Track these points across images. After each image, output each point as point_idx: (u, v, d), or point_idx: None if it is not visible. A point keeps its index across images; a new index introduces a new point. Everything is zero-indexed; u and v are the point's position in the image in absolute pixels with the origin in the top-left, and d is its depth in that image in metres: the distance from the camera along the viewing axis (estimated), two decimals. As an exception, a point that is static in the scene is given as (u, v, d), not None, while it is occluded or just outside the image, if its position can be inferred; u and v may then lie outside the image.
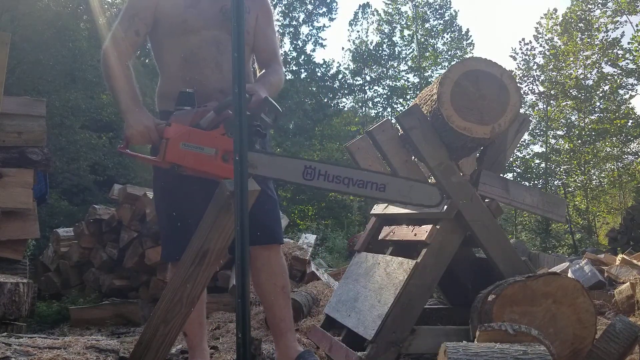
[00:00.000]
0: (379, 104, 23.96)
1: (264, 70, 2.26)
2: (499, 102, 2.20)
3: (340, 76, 22.79)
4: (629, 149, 19.57)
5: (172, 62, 2.12)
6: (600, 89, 19.21)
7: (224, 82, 2.08)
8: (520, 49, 20.46)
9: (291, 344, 2.17)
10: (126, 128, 1.99)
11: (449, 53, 23.54)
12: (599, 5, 18.61)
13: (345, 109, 23.82)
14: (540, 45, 20.16)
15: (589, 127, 19.36)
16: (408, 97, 22.88)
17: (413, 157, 2.52)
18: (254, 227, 2.11)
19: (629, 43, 18.24)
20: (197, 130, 1.84)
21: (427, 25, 23.78)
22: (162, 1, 2.09)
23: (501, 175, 2.48)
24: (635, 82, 18.64)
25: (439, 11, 23.71)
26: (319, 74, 22.08)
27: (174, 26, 2.09)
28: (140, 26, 2.10)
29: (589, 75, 19.38)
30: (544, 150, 20.16)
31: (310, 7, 22.32)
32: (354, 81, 23.42)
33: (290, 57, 21.65)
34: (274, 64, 2.26)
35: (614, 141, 19.13)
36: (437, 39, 23.93)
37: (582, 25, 18.90)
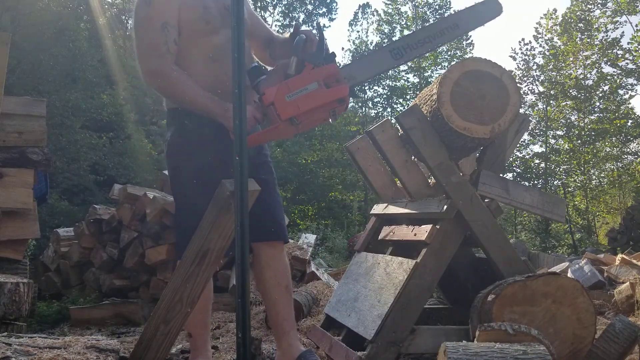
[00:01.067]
0: (379, 104, 23.95)
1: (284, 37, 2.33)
2: (498, 102, 2.21)
3: (340, 76, 22.76)
4: (628, 149, 19.58)
5: (196, 62, 2.10)
6: (600, 89, 19.21)
7: (246, 79, 2.13)
8: (520, 49, 20.47)
9: (293, 343, 2.17)
10: (231, 122, 1.99)
11: (449, 53, 23.54)
12: (599, 5, 18.62)
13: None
14: (540, 46, 20.17)
15: (589, 127, 19.37)
16: (408, 97, 22.89)
17: (413, 157, 2.53)
18: (261, 221, 2.13)
19: (628, 43, 18.26)
20: (290, 79, 1.96)
21: (427, 25, 23.77)
22: (182, 6, 2.07)
23: (501, 175, 2.48)
24: (635, 82, 18.66)
25: (439, 11, 23.71)
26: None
27: (197, 28, 2.08)
28: (175, 34, 2.06)
29: (588, 76, 19.39)
30: (544, 150, 20.16)
31: (310, 7, 22.34)
32: (354, 81, 23.39)
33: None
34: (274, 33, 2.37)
35: (613, 141, 19.13)
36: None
37: (581, 25, 18.90)
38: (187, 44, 2.09)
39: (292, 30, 2.23)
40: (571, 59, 19.34)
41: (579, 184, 20.13)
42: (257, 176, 2.20)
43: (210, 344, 2.35)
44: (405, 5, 24.03)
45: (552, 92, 19.56)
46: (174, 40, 2.05)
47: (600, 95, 19.29)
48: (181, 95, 2.04)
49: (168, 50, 2.03)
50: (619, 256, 4.93)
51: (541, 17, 22.15)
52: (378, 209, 2.82)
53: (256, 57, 2.37)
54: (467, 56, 21.54)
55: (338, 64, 2.06)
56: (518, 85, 2.28)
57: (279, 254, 2.19)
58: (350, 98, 2.08)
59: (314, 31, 2.12)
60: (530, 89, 20.18)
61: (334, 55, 2.04)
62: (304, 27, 2.11)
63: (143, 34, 2.06)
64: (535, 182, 19.49)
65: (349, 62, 2.32)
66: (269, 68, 2.13)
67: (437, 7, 23.71)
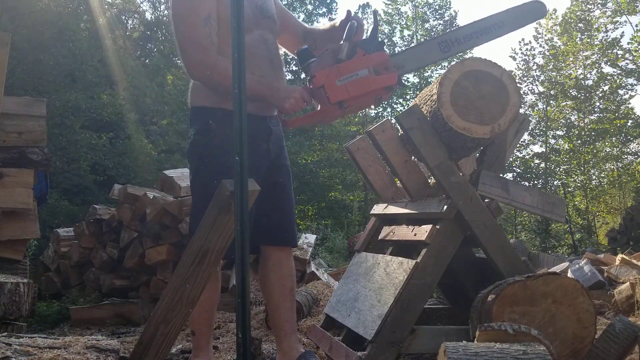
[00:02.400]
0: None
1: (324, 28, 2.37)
2: (498, 103, 2.21)
3: (340, 76, 22.75)
4: (628, 149, 19.57)
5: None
6: (600, 89, 19.21)
7: (276, 78, 2.16)
8: (520, 49, 20.47)
9: (294, 345, 2.18)
10: (282, 103, 2.03)
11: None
12: (599, 5, 18.62)
13: (345, 109, 23.78)
14: (540, 46, 20.17)
15: (589, 127, 19.37)
16: (408, 97, 22.88)
17: (413, 157, 2.53)
18: (275, 225, 2.14)
19: (628, 43, 18.26)
20: (341, 64, 2.01)
21: (427, 25, 23.77)
22: (220, 2, 2.06)
23: (501, 175, 2.48)
24: (635, 82, 18.65)
25: (439, 11, 23.70)
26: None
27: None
28: (216, 27, 2.04)
29: (588, 76, 19.39)
30: (544, 150, 20.16)
31: (310, 7, 22.32)
32: (354, 81, 23.38)
33: (290, 56, 21.65)
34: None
35: (613, 141, 19.13)
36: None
37: (581, 25, 18.90)
38: (220, 41, 2.07)
39: (335, 18, 2.28)
40: (571, 59, 19.34)
41: (579, 184, 20.13)
42: (275, 179, 2.21)
43: (212, 344, 2.35)
44: (405, 5, 24.02)
45: (552, 92, 19.56)
46: (216, 33, 2.04)
47: (600, 95, 19.28)
48: (230, 83, 2.06)
49: (212, 42, 2.02)
50: (619, 256, 4.93)
51: (541, 17, 22.09)
52: (378, 209, 2.82)
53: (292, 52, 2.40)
54: (467, 56, 21.54)
55: (388, 53, 2.12)
56: (518, 85, 2.28)
57: (286, 257, 2.22)
58: (398, 87, 2.15)
59: (368, 20, 2.16)
60: (530, 89, 20.19)
61: (383, 43, 2.11)
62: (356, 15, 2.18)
63: (186, 27, 2.03)
64: (535, 182, 19.49)
65: (399, 51, 2.46)
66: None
67: (437, 7, 23.70)
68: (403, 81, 2.20)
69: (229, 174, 2.02)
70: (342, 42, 2.06)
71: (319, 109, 2.09)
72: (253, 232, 2.11)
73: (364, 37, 2.11)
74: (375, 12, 2.27)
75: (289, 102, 2.01)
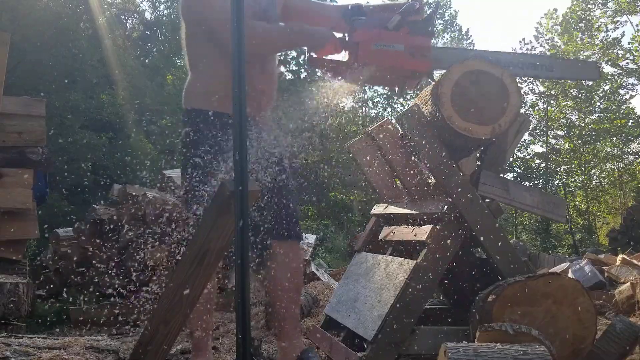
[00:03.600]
0: (379, 104, 23.93)
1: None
2: (499, 103, 2.20)
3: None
4: (629, 149, 19.55)
5: (217, 62, 2.09)
6: (601, 89, 19.19)
7: (266, 83, 2.19)
8: (521, 48, 20.45)
9: (296, 342, 2.17)
10: (318, 41, 2.12)
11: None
12: (599, 5, 18.61)
13: (345, 109, 23.80)
14: (541, 45, 20.14)
15: (589, 127, 19.35)
16: (408, 97, 22.86)
17: (413, 157, 2.52)
18: (281, 220, 2.14)
19: (629, 43, 18.22)
20: (386, 31, 2.07)
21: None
22: None
23: (501, 175, 2.48)
24: (636, 82, 18.63)
25: (439, 11, 23.70)
26: (319, 74, 22.03)
27: None
28: None
29: (589, 75, 19.35)
30: (544, 150, 20.14)
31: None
32: (354, 81, 23.36)
33: (290, 57, 21.62)
34: None
35: (614, 141, 19.11)
36: (437, 39, 23.91)
37: (582, 25, 18.89)
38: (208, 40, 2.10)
39: None
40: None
41: (579, 184, 20.11)
42: (275, 177, 2.21)
43: (211, 344, 2.35)
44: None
45: (552, 92, 19.55)
46: None
47: (601, 95, 19.27)
48: (275, 42, 2.12)
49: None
50: (620, 256, 4.93)
51: (542, 17, 22.15)
52: (378, 209, 2.82)
53: None
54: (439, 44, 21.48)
55: (434, 44, 2.17)
56: (518, 85, 2.28)
57: (294, 253, 2.20)
58: (427, 79, 2.19)
59: (428, 7, 2.20)
60: (530, 88, 20.16)
61: (432, 33, 2.15)
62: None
63: (215, 5, 2.03)
64: (536, 182, 19.46)
65: (444, 46, 2.53)
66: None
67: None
68: (433, 75, 2.23)
69: (207, 172, 2.04)
70: (395, 15, 2.13)
71: (346, 60, 2.14)
72: (259, 231, 2.12)
73: (419, 20, 2.15)
74: (437, 3, 2.41)
75: (322, 46, 2.11)
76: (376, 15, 2.18)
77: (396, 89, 2.24)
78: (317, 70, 2.22)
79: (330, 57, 2.17)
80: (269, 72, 2.24)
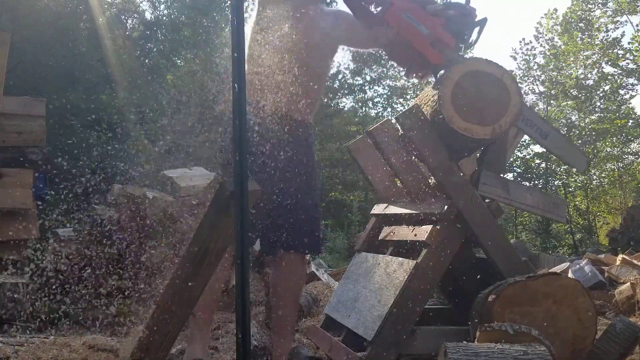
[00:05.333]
0: (379, 104, 23.91)
1: None
2: (499, 103, 2.20)
3: (340, 76, 22.74)
4: (629, 149, 19.55)
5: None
6: (601, 89, 19.18)
7: (315, 81, 2.26)
8: (521, 49, 20.45)
9: (289, 343, 2.22)
10: None
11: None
12: (599, 5, 18.60)
13: (345, 109, 23.79)
14: (541, 45, 20.14)
15: (590, 127, 19.34)
16: (408, 97, 22.85)
17: (413, 157, 2.52)
18: (295, 231, 2.15)
19: (629, 43, 18.21)
20: (420, 9, 2.11)
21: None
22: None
23: (501, 175, 2.48)
24: (636, 82, 18.61)
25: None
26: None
27: None
28: None
29: (589, 75, 19.36)
30: (544, 150, 20.10)
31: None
32: (354, 81, 23.37)
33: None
34: None
35: (614, 141, 19.10)
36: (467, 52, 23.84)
37: (582, 25, 18.88)
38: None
39: None
40: (572, 58, 19.31)
41: (579, 184, 20.10)
42: (294, 184, 2.22)
43: (211, 332, 2.36)
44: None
45: (552, 92, 19.54)
46: None
47: (601, 95, 19.26)
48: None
49: None
50: (620, 256, 4.93)
51: (542, 17, 22.13)
52: (378, 209, 2.81)
53: None
54: (467, 56, 21.50)
55: (460, 48, 2.21)
56: (519, 85, 2.28)
57: (301, 262, 2.26)
58: (433, 75, 2.21)
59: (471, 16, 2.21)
60: (530, 88, 20.16)
61: (464, 40, 2.19)
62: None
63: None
64: (536, 182, 19.46)
65: (466, 57, 2.54)
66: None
67: (437, 7, 23.66)
68: (439, 73, 2.23)
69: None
70: (441, 4, 2.17)
71: (375, 13, 2.18)
72: (271, 234, 2.13)
73: (458, 20, 2.17)
74: (485, 20, 2.31)
75: None
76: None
77: (403, 69, 2.26)
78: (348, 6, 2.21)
79: (368, 5, 2.20)
80: (322, 76, 2.32)
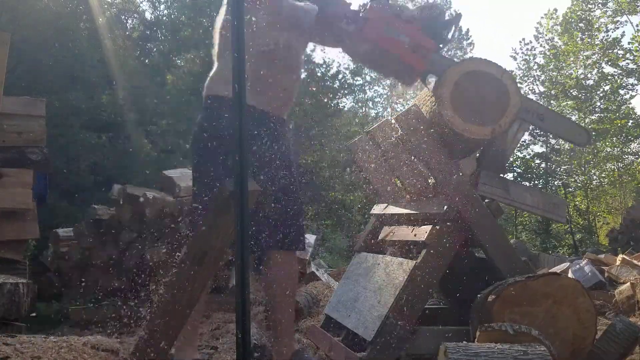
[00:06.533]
0: (379, 104, 23.93)
1: None
2: (499, 103, 2.20)
3: (340, 76, 22.74)
4: (629, 149, 19.56)
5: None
6: (601, 89, 19.19)
7: (289, 80, 2.23)
8: (521, 49, 20.47)
9: (289, 344, 2.19)
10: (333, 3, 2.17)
11: (449, 53, 23.51)
12: (599, 5, 18.60)
13: (345, 109, 23.80)
14: (541, 45, 20.17)
15: (590, 127, 19.34)
16: (408, 97, 22.86)
17: (413, 157, 2.52)
18: (275, 229, 2.15)
19: (629, 43, 18.23)
20: (398, 19, 2.13)
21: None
22: None
23: (501, 175, 2.48)
24: (636, 82, 18.63)
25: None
26: (319, 74, 22.02)
27: None
28: None
29: (589, 75, 19.38)
30: (544, 150, 20.14)
31: (310, 7, 22.26)
32: (354, 81, 23.38)
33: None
34: None
35: (614, 141, 19.11)
36: (449, 50, 23.92)
37: (582, 25, 18.88)
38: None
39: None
40: (572, 58, 19.32)
41: (579, 184, 20.11)
42: (280, 180, 2.22)
43: (197, 338, 2.36)
44: (405, 5, 24.00)
45: (552, 92, 19.54)
46: None
47: (601, 95, 19.27)
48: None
49: None
50: (620, 256, 4.93)
51: (542, 17, 22.14)
52: (378, 209, 2.81)
53: None
54: (467, 56, 21.54)
55: (440, 49, 2.20)
56: (518, 85, 2.28)
57: (291, 260, 2.24)
58: (421, 80, 2.23)
59: (450, 14, 2.23)
60: (530, 88, 20.17)
61: (445, 40, 2.20)
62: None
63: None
64: (536, 182, 19.47)
65: (447, 57, 2.55)
66: None
67: (437, 7, 23.67)
68: (427, 80, 2.26)
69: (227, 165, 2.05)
70: (414, 10, 2.18)
71: (351, 30, 2.18)
72: (259, 234, 2.12)
73: (434, 23, 2.19)
74: (459, 15, 2.36)
75: (335, 7, 2.16)
76: (398, 4, 2.23)
77: (389, 79, 2.26)
78: (321, 31, 2.21)
79: (338, 23, 2.20)
80: (295, 69, 2.26)
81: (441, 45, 2.21)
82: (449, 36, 2.21)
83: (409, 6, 2.41)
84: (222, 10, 2.24)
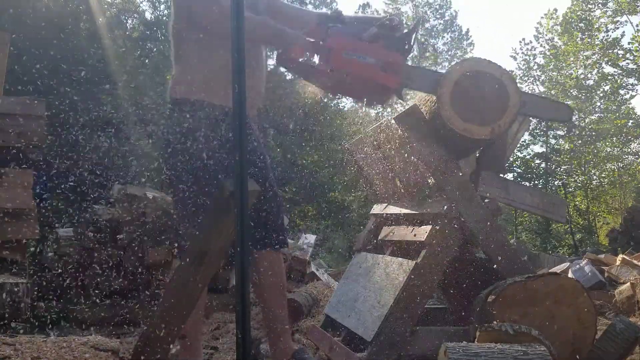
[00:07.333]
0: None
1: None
2: (498, 103, 2.20)
3: (340, 76, 22.71)
4: (629, 149, 19.56)
5: (211, 55, 2.13)
6: (601, 89, 19.20)
7: (254, 78, 2.19)
8: (521, 49, 20.48)
9: (287, 343, 2.18)
10: (286, 40, 2.12)
11: (449, 53, 23.53)
12: (599, 5, 18.60)
13: (345, 109, 23.79)
14: (541, 45, 20.18)
15: (590, 127, 19.35)
16: (408, 97, 22.83)
17: (413, 157, 2.52)
18: (258, 229, 2.13)
19: (629, 43, 18.22)
20: (360, 42, 2.09)
21: (427, 25, 23.77)
22: None
23: (501, 175, 2.48)
24: (636, 82, 18.63)
25: (439, 11, 23.69)
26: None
27: None
28: None
29: (589, 76, 19.39)
30: (544, 150, 20.15)
31: (310, 7, 22.33)
32: (354, 81, 23.36)
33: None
34: None
35: (614, 141, 19.11)
36: (437, 39, 23.92)
37: (582, 25, 18.88)
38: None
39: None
40: (572, 58, 19.33)
41: (579, 184, 20.11)
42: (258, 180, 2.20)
43: (202, 342, 2.36)
44: (405, 5, 24.01)
45: (552, 92, 19.54)
46: None
47: (601, 95, 19.28)
48: (253, 31, 2.05)
49: None
50: (620, 256, 4.93)
51: (542, 17, 22.15)
52: (378, 209, 2.82)
53: None
54: (467, 56, 21.54)
55: (407, 62, 2.17)
56: (518, 85, 2.28)
57: (276, 258, 2.22)
58: (396, 98, 2.20)
59: (408, 23, 2.19)
60: (530, 88, 20.16)
61: (408, 51, 2.15)
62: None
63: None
64: (536, 182, 19.47)
65: (418, 65, 2.51)
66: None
67: (437, 6, 23.69)
68: (403, 94, 2.23)
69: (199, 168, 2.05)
70: (373, 27, 2.13)
71: (316, 64, 2.16)
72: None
73: (394, 36, 2.15)
74: (417, 22, 2.35)
75: (290, 46, 2.11)
76: (355, 25, 2.18)
77: (364, 102, 2.23)
78: (285, 69, 2.23)
79: (302, 60, 2.17)
80: (257, 66, 2.23)
81: (407, 58, 2.18)
82: (412, 44, 2.18)
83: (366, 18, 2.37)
84: (172, 15, 2.25)
